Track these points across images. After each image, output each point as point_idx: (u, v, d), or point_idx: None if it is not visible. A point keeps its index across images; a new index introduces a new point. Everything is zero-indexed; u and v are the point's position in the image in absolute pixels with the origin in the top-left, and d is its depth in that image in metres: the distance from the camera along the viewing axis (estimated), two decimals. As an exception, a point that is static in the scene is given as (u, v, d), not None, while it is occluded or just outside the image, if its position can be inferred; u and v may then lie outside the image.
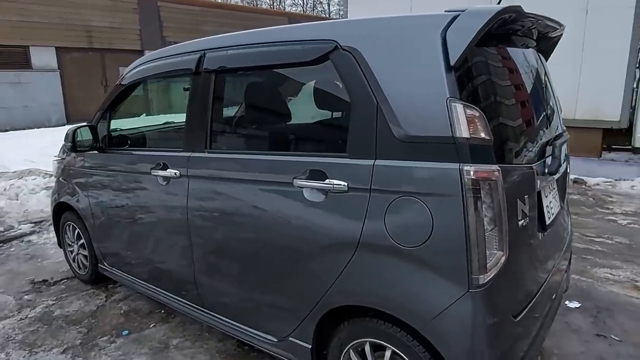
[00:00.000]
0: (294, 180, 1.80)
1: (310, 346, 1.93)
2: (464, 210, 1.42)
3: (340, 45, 1.68)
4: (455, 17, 1.47)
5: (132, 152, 2.75)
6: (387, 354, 1.70)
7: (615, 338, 2.55)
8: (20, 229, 4.59)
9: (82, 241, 3.32)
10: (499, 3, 2.48)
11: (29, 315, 3.01)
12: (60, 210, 3.48)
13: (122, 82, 2.71)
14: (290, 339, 2.01)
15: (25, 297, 3.29)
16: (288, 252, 1.88)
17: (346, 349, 1.83)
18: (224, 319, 2.34)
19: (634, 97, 6.17)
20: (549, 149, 1.88)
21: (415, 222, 1.51)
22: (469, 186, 1.41)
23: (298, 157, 1.82)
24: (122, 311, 3.02)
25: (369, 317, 1.72)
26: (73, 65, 13.57)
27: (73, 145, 2.72)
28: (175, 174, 2.30)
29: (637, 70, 6.11)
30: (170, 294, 2.64)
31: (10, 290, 3.41)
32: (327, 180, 1.71)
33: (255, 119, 2.02)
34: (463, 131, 1.43)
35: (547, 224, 1.87)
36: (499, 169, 1.45)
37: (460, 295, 1.47)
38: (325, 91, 1.84)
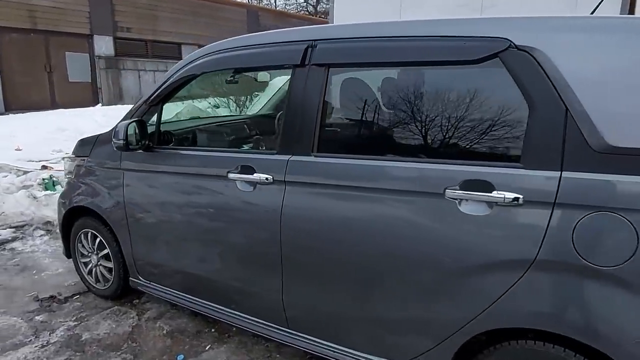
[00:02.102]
0: (446, 191, 1.62)
1: (442, 371, 1.77)
2: (679, 228, 1.33)
3: (514, 44, 1.53)
4: None
5: (195, 151, 2.40)
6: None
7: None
8: (-1, 235, 3.96)
9: (105, 251, 2.90)
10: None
11: (52, 341, 2.56)
12: (73, 216, 3.02)
13: (182, 72, 2.35)
14: (418, 363, 1.83)
15: (37, 317, 2.81)
16: (430, 270, 1.70)
17: (493, 374, 1.69)
18: (316, 340, 2.11)
19: None
20: None
21: (616, 240, 1.40)
22: None
23: (452, 166, 1.64)
24: (164, 332, 2.66)
25: (529, 340, 1.59)
26: (12, 48, 12.17)
27: (126, 143, 2.32)
28: (266, 179, 2.02)
29: None
30: (236, 312, 2.35)
31: (14, 310, 2.90)
32: (494, 192, 1.55)
33: (390, 122, 1.81)
34: (678, 144, 1.33)
35: None
36: None
37: None
38: (487, 93, 1.67)
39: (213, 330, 2.67)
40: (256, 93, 11.10)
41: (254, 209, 2.09)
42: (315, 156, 1.92)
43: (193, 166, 2.32)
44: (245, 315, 2.31)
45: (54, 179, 4.77)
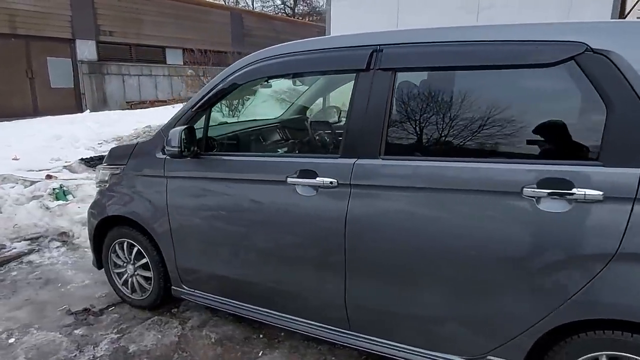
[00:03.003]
0: (524, 189, 1.68)
1: (519, 364, 1.82)
2: None
3: (591, 48, 1.60)
4: None
5: (248, 157, 2.40)
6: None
7: None
8: (14, 248, 3.84)
9: (143, 261, 2.85)
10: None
11: (98, 355, 2.51)
12: (106, 226, 2.96)
13: (234, 77, 2.33)
14: (490, 357, 1.88)
15: (76, 331, 2.74)
16: (502, 269, 1.75)
17: (570, 365, 1.75)
18: (379, 340, 2.14)
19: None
20: None
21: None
22: None
23: (530, 165, 1.69)
24: (212, 340, 2.64)
25: (611, 330, 1.66)
26: (-8, 54, 11.79)
27: (180, 150, 2.29)
28: (330, 182, 2.04)
29: None
30: (291, 316, 2.36)
31: (48, 325, 2.82)
32: (574, 190, 1.61)
33: (461, 124, 1.85)
34: None
35: None
36: None
37: None
38: (564, 95, 1.73)
39: (261, 335, 2.67)
40: (247, 97, 11.03)
41: (317, 213, 2.11)
42: (383, 159, 1.95)
43: (247, 172, 2.32)
44: (302, 319, 2.32)
45: (64, 188, 4.65)
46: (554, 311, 1.69)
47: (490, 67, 1.78)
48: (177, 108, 13.03)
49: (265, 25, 20.14)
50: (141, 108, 13.96)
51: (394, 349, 2.11)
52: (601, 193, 1.57)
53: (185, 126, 2.34)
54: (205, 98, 2.42)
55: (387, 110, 1.93)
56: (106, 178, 2.92)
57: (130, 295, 3.01)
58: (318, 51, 2.11)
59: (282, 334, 2.66)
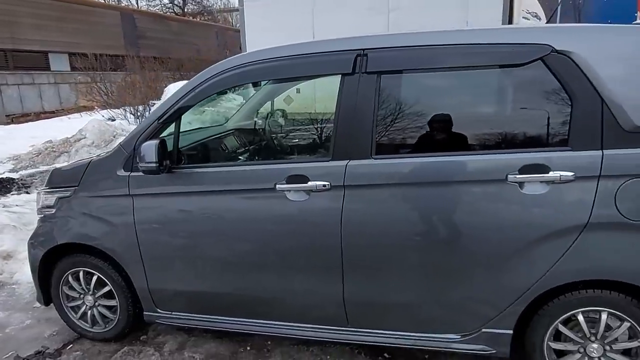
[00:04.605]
0: (508, 176, 1.88)
1: (511, 332, 2.04)
2: (693, 181, 1.77)
3: (555, 49, 1.84)
4: None
5: (227, 167, 2.32)
6: (604, 317, 1.94)
7: None
8: None
9: (106, 289, 2.62)
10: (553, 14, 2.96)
11: (73, 398, 2.26)
12: (54, 257, 2.65)
13: (210, 83, 2.24)
14: (484, 330, 2.08)
15: (36, 378, 2.43)
16: (496, 248, 1.95)
17: (554, 324, 2.01)
18: (377, 331, 2.24)
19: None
20: None
21: (647, 199, 1.79)
22: None
23: (511, 155, 1.90)
24: (197, 360, 2.52)
25: (585, 290, 1.93)
26: None
27: (159, 165, 2.14)
28: (323, 185, 2.08)
29: None
30: (283, 323, 2.35)
31: (-2, 376, 2.47)
32: (550, 173, 1.85)
33: (447, 120, 1.99)
34: (687, 119, 1.76)
35: None
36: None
37: None
38: (534, 91, 1.95)
39: (249, 348, 2.61)
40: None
41: (310, 217, 2.13)
42: (375, 159, 2.03)
43: (228, 183, 2.25)
44: (299, 324, 2.33)
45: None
46: (539, 280, 1.93)
47: (467, 67, 1.96)
48: (73, 119, 11.84)
49: (160, 26, 19.11)
50: (26, 121, 12.44)
51: (392, 337, 2.22)
52: (572, 174, 1.83)
53: (158, 140, 2.20)
54: (175, 107, 2.29)
55: (374, 112, 2.02)
56: (52, 203, 2.61)
57: (90, 329, 2.74)
58: (303, 56, 2.13)
59: (269, 342, 2.64)
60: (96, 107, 11.93)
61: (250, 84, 2.62)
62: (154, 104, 11.18)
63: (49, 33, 14.16)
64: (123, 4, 27.89)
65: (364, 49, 2.03)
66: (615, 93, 1.79)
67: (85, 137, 7.15)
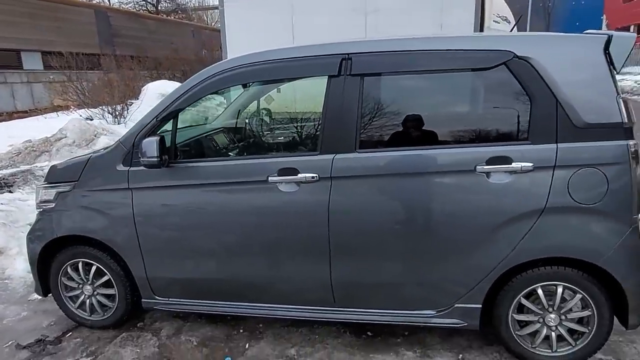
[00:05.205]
0: (477, 167, 2.13)
1: (480, 306, 2.30)
2: (630, 172, 2.05)
3: (517, 55, 2.10)
4: (609, 38, 2.06)
5: (222, 161, 2.50)
6: (560, 290, 2.21)
7: None
8: None
9: (104, 278, 2.76)
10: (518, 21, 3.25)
11: (78, 380, 2.41)
12: (52, 250, 2.78)
13: (206, 84, 2.42)
14: (457, 306, 2.32)
15: (39, 364, 2.56)
16: (466, 231, 2.19)
17: (517, 298, 2.27)
18: (362, 310, 2.46)
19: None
20: None
21: (594, 185, 2.07)
22: (633, 156, 2.05)
23: (479, 148, 2.15)
24: (194, 343, 2.68)
25: (544, 267, 2.20)
26: None
27: (160, 160, 2.31)
28: (312, 177, 2.29)
29: None
30: (276, 305, 2.55)
31: (1, 363, 2.58)
32: (513, 164, 2.11)
33: (422, 118, 2.22)
34: (625, 118, 2.05)
35: None
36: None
37: (627, 230, 2.09)
38: (498, 92, 2.21)
39: (242, 330, 2.80)
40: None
41: (300, 206, 2.33)
42: (359, 152, 2.26)
43: (224, 176, 2.43)
44: (288, 305, 2.53)
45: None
46: (505, 259, 2.19)
47: (441, 71, 2.20)
48: (50, 118, 11.63)
49: (136, 25, 18.91)
50: (-1, 121, 12.16)
51: (374, 315, 2.45)
52: (532, 164, 2.09)
53: (158, 136, 2.36)
54: (173, 107, 2.46)
55: (358, 110, 2.24)
56: (51, 197, 2.74)
57: (89, 318, 2.87)
58: (293, 59, 2.33)
59: (261, 325, 2.83)
60: (72, 107, 11.77)
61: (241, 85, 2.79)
62: (132, 103, 11.16)
63: (21, 31, 13.88)
64: (95, 1, 27.37)
65: (348, 54, 2.25)
66: (568, 94, 2.06)
67: (65, 137, 7.15)
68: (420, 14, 7.06)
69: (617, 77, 2.11)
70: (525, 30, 27.53)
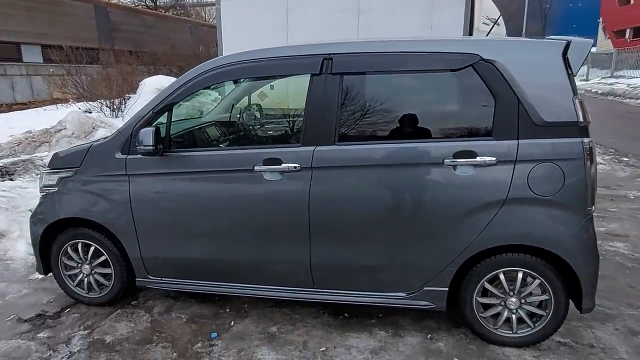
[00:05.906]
0: (444, 160, 2.34)
1: (447, 289, 2.50)
2: (584, 167, 2.25)
3: (483, 58, 2.30)
4: (568, 43, 2.26)
5: (213, 151, 2.70)
6: (520, 275, 2.41)
7: None
8: None
9: (102, 258, 2.95)
10: (496, 22, 3.46)
11: (75, 350, 2.60)
12: (54, 231, 2.97)
13: (197, 80, 2.61)
14: (425, 289, 2.52)
15: (39, 335, 2.75)
16: (434, 219, 2.40)
17: (481, 282, 2.47)
18: (339, 292, 2.65)
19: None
20: None
21: (552, 179, 2.27)
22: (587, 152, 2.25)
23: (447, 143, 2.36)
24: (184, 320, 2.89)
25: (505, 253, 2.40)
26: None
27: (155, 148, 2.50)
28: (294, 167, 2.48)
29: None
30: (260, 286, 2.74)
31: (4, 334, 2.77)
32: (477, 158, 2.31)
33: (394, 114, 2.43)
34: (581, 117, 2.25)
35: None
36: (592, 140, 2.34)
37: (582, 221, 2.30)
38: (466, 92, 2.41)
39: (228, 310, 3.00)
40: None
41: (283, 194, 2.53)
42: (338, 145, 2.45)
43: (213, 165, 2.63)
44: (271, 286, 2.73)
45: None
46: (469, 245, 2.39)
47: (413, 71, 2.41)
48: (49, 110, 11.79)
49: (135, 20, 19.05)
50: (-2, 112, 12.31)
51: (351, 296, 2.65)
52: (494, 158, 2.29)
53: (154, 127, 2.55)
54: (168, 100, 2.66)
55: (338, 106, 2.44)
56: (54, 182, 2.93)
57: (86, 295, 3.07)
58: (279, 58, 2.54)
59: (246, 305, 3.03)
60: (71, 100, 11.93)
61: (232, 81, 3.00)
62: (130, 97, 11.32)
63: (22, 24, 14.02)
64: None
65: (329, 54, 2.45)
66: (528, 94, 2.27)
67: (65, 128, 7.32)
68: (411, 16, 7.26)
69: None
70: (522, 32, 27.82)
